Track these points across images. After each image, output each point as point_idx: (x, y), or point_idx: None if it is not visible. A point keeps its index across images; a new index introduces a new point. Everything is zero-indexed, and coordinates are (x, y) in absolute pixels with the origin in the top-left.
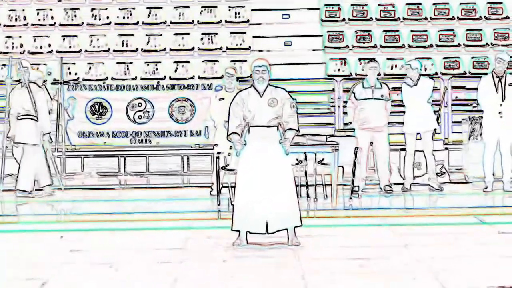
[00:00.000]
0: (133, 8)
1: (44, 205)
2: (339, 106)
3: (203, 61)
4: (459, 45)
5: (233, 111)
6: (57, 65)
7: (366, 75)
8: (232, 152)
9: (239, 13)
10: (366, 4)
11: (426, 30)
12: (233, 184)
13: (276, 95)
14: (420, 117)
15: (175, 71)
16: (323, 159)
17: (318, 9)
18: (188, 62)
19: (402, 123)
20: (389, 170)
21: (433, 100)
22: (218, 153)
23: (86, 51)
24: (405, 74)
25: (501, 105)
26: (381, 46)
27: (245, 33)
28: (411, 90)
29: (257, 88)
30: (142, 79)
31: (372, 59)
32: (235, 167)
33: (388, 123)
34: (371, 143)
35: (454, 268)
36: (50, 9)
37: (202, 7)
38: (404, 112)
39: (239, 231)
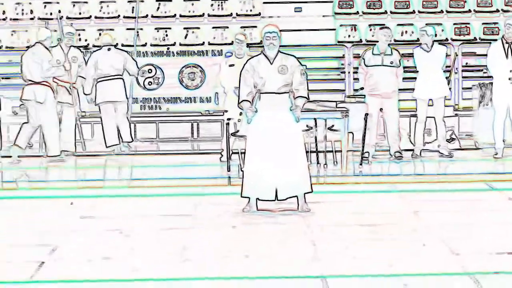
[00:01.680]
0: None
1: (55, 171)
2: (349, 73)
3: (213, 28)
4: (469, 11)
5: (244, 78)
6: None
7: (376, 41)
8: (242, 118)
9: None
10: None
11: None
12: (243, 151)
13: (286, 62)
14: (433, 83)
15: (185, 37)
16: (333, 126)
17: None
18: (198, 28)
19: (413, 89)
20: (399, 136)
21: (446, 67)
22: (228, 119)
23: (96, 17)
24: (417, 40)
25: (511, 71)
26: (391, 12)
27: None
28: (426, 56)
29: (267, 54)
30: (152, 45)
31: (385, 26)
32: (245, 133)
33: (399, 89)
34: (381, 109)
35: (463, 234)
36: None
37: None
38: (415, 78)
39: (248, 197)
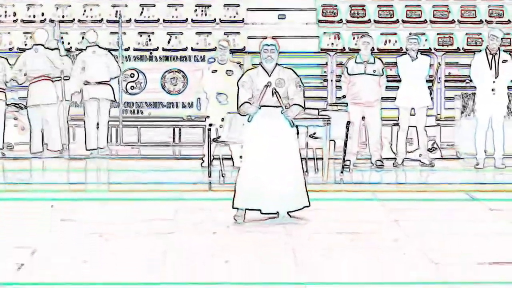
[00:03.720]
0: None
1: (36, 173)
2: (332, 81)
3: (196, 33)
4: (453, 21)
5: (242, 87)
6: (50, 34)
7: (359, 50)
8: (224, 124)
9: None
10: None
11: (420, 6)
12: (224, 156)
13: (283, 75)
14: (416, 93)
15: (168, 42)
16: (315, 133)
17: None
18: (181, 33)
19: (395, 98)
20: (380, 145)
21: (429, 76)
22: (210, 125)
23: (79, 20)
24: (400, 49)
25: (494, 82)
26: (375, 21)
27: (239, 5)
28: (411, 64)
29: (265, 67)
30: (135, 49)
31: (365, 34)
32: (227, 139)
33: (382, 98)
34: (363, 117)
35: (444, 244)
36: None
37: None
38: (397, 87)
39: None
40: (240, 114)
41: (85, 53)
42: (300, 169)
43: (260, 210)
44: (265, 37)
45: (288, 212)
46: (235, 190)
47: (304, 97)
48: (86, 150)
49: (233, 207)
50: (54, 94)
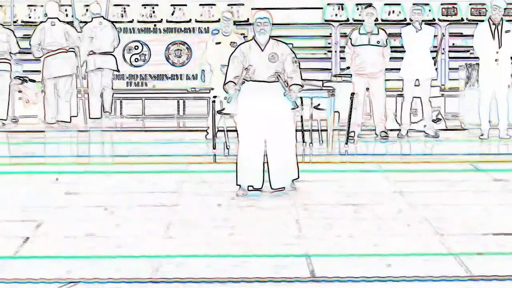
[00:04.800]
0: None
1: (40, 146)
2: (336, 52)
3: (200, 5)
4: None
5: (232, 63)
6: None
7: (363, 21)
8: (228, 96)
9: None
10: None
11: None
12: (229, 128)
13: (277, 50)
14: (420, 64)
15: (172, 14)
16: (319, 104)
17: None
18: (185, 5)
19: (399, 69)
20: (385, 116)
21: (433, 47)
22: (214, 97)
23: None
24: (403, 20)
25: (497, 52)
26: None
27: None
28: (416, 35)
29: (258, 41)
30: (139, 21)
31: (369, 5)
32: (232, 111)
33: (386, 69)
34: (368, 89)
35: (448, 215)
36: None
37: None
38: (402, 58)
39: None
40: (225, 91)
41: (92, 24)
42: (292, 145)
43: (259, 188)
44: (260, 10)
45: (274, 188)
46: (236, 168)
47: (301, 74)
48: (90, 118)
49: (236, 184)
50: (69, 66)
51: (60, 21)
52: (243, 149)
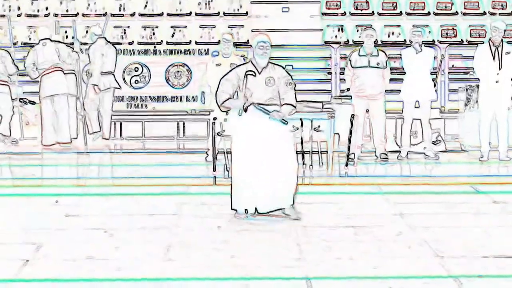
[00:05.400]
0: None
1: (40, 168)
2: (335, 73)
3: (200, 26)
4: (456, 13)
5: (222, 85)
6: (53, 28)
7: (363, 42)
8: (228, 118)
9: None
10: None
11: None
12: (229, 150)
13: (274, 74)
14: (420, 85)
15: (172, 36)
16: (319, 126)
17: None
18: (185, 27)
19: (399, 90)
20: (385, 138)
21: (433, 68)
22: (214, 118)
23: (83, 14)
24: (403, 41)
25: (498, 73)
26: (378, 13)
27: None
28: (416, 56)
29: (257, 64)
30: (139, 43)
31: (369, 26)
32: (231, 134)
33: (386, 91)
34: (367, 110)
35: (448, 237)
36: None
37: None
38: (401, 79)
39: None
40: (221, 110)
41: (99, 44)
42: (293, 168)
43: (256, 210)
44: (257, 31)
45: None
46: (231, 191)
47: (295, 94)
48: (89, 134)
49: (231, 209)
50: (66, 85)
51: (52, 40)
52: (238, 172)
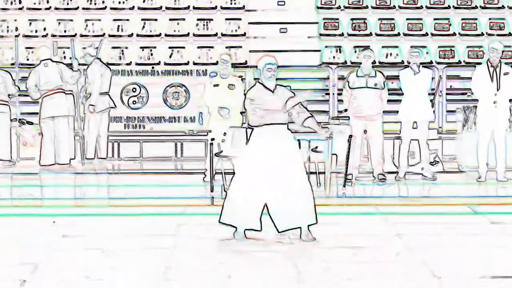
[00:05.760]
0: None
1: (38, 188)
2: (333, 94)
3: (198, 47)
4: (454, 34)
5: (252, 105)
6: (52, 49)
7: (361, 63)
8: (226, 138)
9: None
10: None
11: (421, 19)
12: (227, 171)
13: (283, 94)
14: (418, 106)
15: (170, 56)
16: (317, 147)
17: None
18: (183, 47)
19: (397, 111)
20: (382, 158)
21: (430, 89)
22: (212, 139)
23: (81, 35)
24: (401, 62)
25: (495, 94)
26: (376, 34)
27: (240, 19)
28: (414, 77)
29: (267, 85)
30: (137, 64)
31: (367, 47)
32: (229, 154)
33: (383, 112)
34: (365, 131)
35: (446, 257)
36: None
37: None
38: (399, 100)
39: (225, 224)
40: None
41: (98, 65)
42: (308, 187)
43: (259, 230)
44: (268, 52)
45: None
46: (223, 204)
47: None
48: (86, 159)
49: (219, 221)
50: (67, 107)
51: (53, 61)
52: (240, 191)
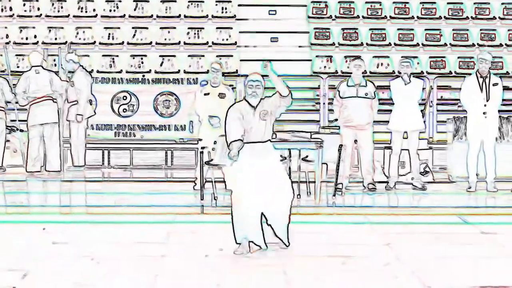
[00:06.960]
0: (120, 1)
1: (27, 195)
2: (324, 104)
3: (188, 56)
4: (445, 44)
5: (235, 121)
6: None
7: (351, 73)
8: (216, 147)
9: (225, 8)
10: (353, 2)
11: (412, 29)
12: (217, 179)
13: (267, 106)
14: (409, 116)
15: (161, 65)
16: (307, 156)
17: (305, 5)
18: (174, 56)
19: (388, 121)
20: (373, 168)
21: (422, 99)
22: (202, 147)
23: (72, 43)
24: (392, 72)
25: (485, 105)
26: (367, 44)
27: (231, 28)
28: (404, 88)
29: (250, 102)
30: (127, 72)
31: (357, 57)
32: (219, 162)
33: (374, 121)
34: (356, 141)
35: (436, 267)
36: (37, 0)
37: (189, 1)
38: (390, 110)
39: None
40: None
41: (81, 72)
42: (287, 208)
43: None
44: (263, 60)
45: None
46: (233, 225)
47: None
48: (74, 166)
49: (236, 243)
50: (56, 114)
51: (44, 68)
52: (240, 204)
